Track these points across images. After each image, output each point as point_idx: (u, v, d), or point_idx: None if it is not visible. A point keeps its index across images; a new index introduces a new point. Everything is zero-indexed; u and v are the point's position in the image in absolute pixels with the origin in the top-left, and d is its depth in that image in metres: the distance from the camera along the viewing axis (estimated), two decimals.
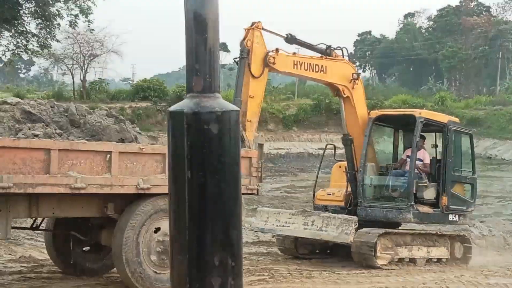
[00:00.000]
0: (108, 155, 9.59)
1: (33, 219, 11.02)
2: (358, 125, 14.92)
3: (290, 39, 14.06)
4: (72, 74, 51.07)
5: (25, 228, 11.92)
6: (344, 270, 13.11)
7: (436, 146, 15.26)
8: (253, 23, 13.13)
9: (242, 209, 9.63)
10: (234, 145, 2.72)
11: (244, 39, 13.00)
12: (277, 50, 13.41)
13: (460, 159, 15.53)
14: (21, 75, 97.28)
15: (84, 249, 11.73)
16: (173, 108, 2.72)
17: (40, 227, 11.69)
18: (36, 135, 9.61)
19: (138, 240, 9.95)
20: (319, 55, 14.53)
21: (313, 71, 14.14)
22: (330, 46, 14.60)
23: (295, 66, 13.86)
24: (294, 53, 14.12)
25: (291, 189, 32.44)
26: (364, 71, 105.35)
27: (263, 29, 13.19)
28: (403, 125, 15.67)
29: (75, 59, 49.68)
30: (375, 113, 15.30)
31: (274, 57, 13.24)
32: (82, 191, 9.28)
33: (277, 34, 13.78)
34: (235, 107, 2.75)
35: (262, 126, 49.00)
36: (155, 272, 9.96)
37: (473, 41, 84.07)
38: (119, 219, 10.10)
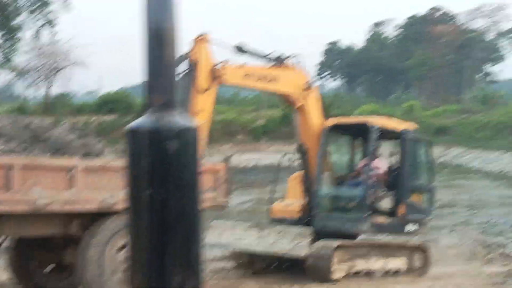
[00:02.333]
0: (72, 171, 9.45)
1: None
2: (312, 135, 14.55)
3: (240, 49, 13.63)
4: (35, 88, 50.59)
5: None
6: (316, 284, 13.09)
7: (393, 154, 15.17)
8: (199, 35, 12.76)
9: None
10: (194, 161, 2.71)
11: (189, 51, 12.62)
12: (225, 62, 13.02)
13: (417, 167, 15.52)
14: None
15: (47, 268, 11.54)
16: (132, 125, 2.71)
17: (2, 246, 11.48)
18: None
19: (102, 259, 9.80)
20: (271, 64, 14.09)
21: (264, 81, 13.82)
22: (281, 55, 14.20)
23: (245, 77, 13.52)
24: (243, 64, 13.63)
25: (260, 201, 32.38)
26: (334, 80, 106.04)
27: (209, 41, 12.84)
28: (358, 133, 15.27)
29: (39, 72, 49.22)
30: (330, 122, 14.89)
31: (222, 69, 12.88)
32: (45, 209, 9.13)
33: (225, 45, 13.35)
34: (194, 124, 2.75)
35: (231, 137, 49.06)
36: None
37: (441, 49, 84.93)
38: (83, 237, 9.94)
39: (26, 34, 30.88)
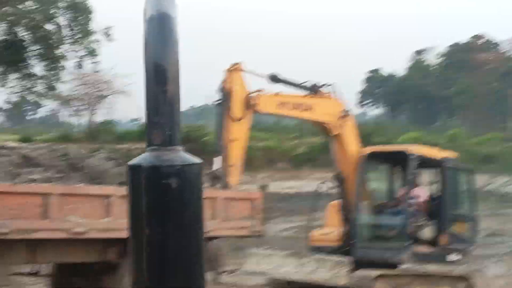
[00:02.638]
0: (108, 199, 9.46)
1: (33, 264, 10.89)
2: (349, 163, 14.51)
3: (274, 78, 13.70)
4: (79, 115, 51.30)
5: (24, 274, 11.77)
6: None
7: (433, 183, 14.93)
8: (233, 64, 12.80)
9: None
10: (196, 199, 2.62)
11: (223, 81, 12.67)
12: (259, 90, 13.08)
13: (459, 196, 15.16)
14: (27, 118, 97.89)
15: None
16: (132, 162, 2.65)
17: (40, 272, 11.54)
18: (34, 180, 9.51)
19: None
20: (305, 93, 14.14)
21: (299, 110, 13.79)
22: (316, 84, 14.23)
23: (279, 106, 13.53)
24: (278, 93, 13.67)
25: (302, 229, 32.08)
26: (377, 108, 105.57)
27: (243, 70, 12.91)
28: (397, 161, 15.15)
29: (82, 100, 49.90)
30: (367, 150, 14.89)
31: (256, 98, 12.90)
32: (82, 236, 9.13)
33: (259, 75, 13.49)
34: (196, 160, 2.67)
35: (271, 165, 48.91)
36: None
37: (484, 77, 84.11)
38: (121, 263, 9.94)
39: (69, 64, 31.21)
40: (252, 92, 12.95)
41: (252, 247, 20.03)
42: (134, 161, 2.63)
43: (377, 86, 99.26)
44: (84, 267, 10.71)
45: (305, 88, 14.18)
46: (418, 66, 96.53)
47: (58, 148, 11.24)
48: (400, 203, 14.39)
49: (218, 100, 12.77)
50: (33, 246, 9.39)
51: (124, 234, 9.36)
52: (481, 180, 50.92)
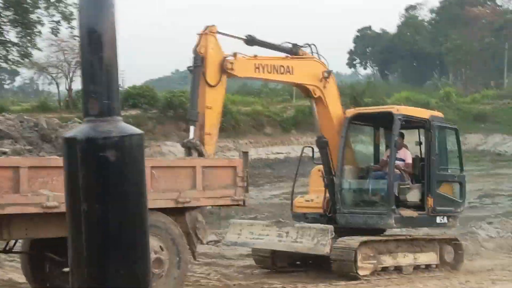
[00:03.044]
0: None
1: (5, 241, 10.81)
2: (332, 126, 14.44)
3: (250, 40, 13.50)
4: (57, 84, 50.92)
5: None
6: (343, 281, 12.91)
7: (420, 143, 14.86)
8: (206, 27, 12.57)
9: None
10: (137, 172, 2.56)
11: (197, 45, 12.41)
12: (235, 54, 12.86)
13: (446, 156, 15.13)
14: (6, 86, 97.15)
15: (63, 270, 11.51)
16: (67, 134, 2.60)
17: (15, 249, 11.48)
18: (4, 153, 9.41)
19: None
20: (285, 55, 13.97)
21: (278, 73, 13.58)
22: (296, 44, 14.06)
23: (257, 69, 13.33)
24: (255, 56, 13.47)
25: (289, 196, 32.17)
26: (365, 69, 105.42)
27: (218, 32, 12.67)
28: (382, 123, 15.13)
29: (59, 67, 49.47)
30: (351, 112, 14.84)
31: (232, 62, 12.68)
32: (55, 210, 9.05)
33: (235, 37, 13.28)
34: (137, 131, 2.61)
35: (259, 130, 48.85)
36: None
37: (478, 33, 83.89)
38: None
39: (44, 30, 30.89)
40: (228, 56, 12.80)
41: (236, 216, 20.09)
42: (69, 133, 2.58)
43: (367, 45, 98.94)
44: (58, 242, 10.65)
45: (284, 49, 14.03)
46: (409, 23, 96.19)
47: (29, 119, 11.05)
48: (385, 166, 14.37)
49: (192, 66, 12.57)
50: (5, 222, 9.31)
51: None
52: (474, 139, 51.45)
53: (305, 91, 14.37)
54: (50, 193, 9.02)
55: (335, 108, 14.51)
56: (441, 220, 14.45)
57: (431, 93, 63.05)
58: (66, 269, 10.54)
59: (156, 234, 10.03)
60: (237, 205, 11.50)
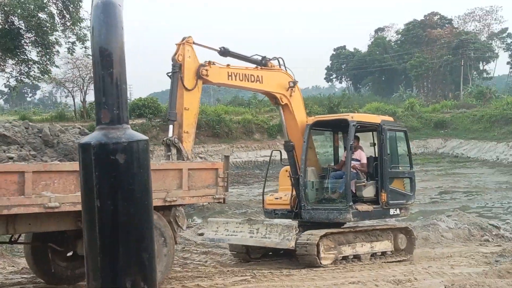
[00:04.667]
0: (78, 174, 9.26)
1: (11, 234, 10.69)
2: (297, 131, 14.25)
3: (224, 52, 13.40)
4: (72, 96, 50.84)
5: (3, 243, 11.53)
6: (322, 267, 12.90)
7: (374, 144, 14.67)
8: (183, 38, 12.45)
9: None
10: (143, 172, 2.58)
11: (175, 54, 12.30)
12: (209, 62, 12.68)
13: (397, 155, 15.01)
14: (28, 99, 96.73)
15: (67, 255, 11.40)
16: (82, 140, 2.58)
17: (19, 241, 11.34)
18: (11, 158, 9.30)
19: None
20: (254, 66, 13.80)
21: (249, 81, 13.41)
22: (265, 57, 13.92)
23: (230, 77, 13.15)
24: (228, 65, 13.29)
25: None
26: (340, 82, 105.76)
27: (194, 43, 12.51)
28: (340, 128, 14.99)
29: (75, 82, 49.43)
30: (311, 119, 14.61)
31: (206, 69, 12.55)
32: (56, 210, 9.01)
33: (209, 48, 13.06)
34: (143, 137, 2.62)
35: (249, 136, 48.90)
36: None
37: (438, 51, 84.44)
38: None
39: (61, 49, 30.94)
40: (203, 64, 12.68)
41: (229, 211, 20.05)
42: (84, 139, 2.57)
43: (342, 62, 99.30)
44: (60, 234, 10.50)
45: (254, 61, 13.93)
46: (378, 43, 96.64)
47: (34, 125, 10.92)
48: (343, 166, 14.36)
49: (170, 72, 12.52)
50: (11, 219, 9.22)
51: None
52: (434, 143, 51.71)
53: (273, 98, 14.24)
54: (52, 194, 8.94)
55: (300, 115, 14.42)
56: (394, 212, 14.40)
57: (397, 104, 63.39)
58: (70, 254, 10.37)
59: None
60: (218, 202, 11.43)
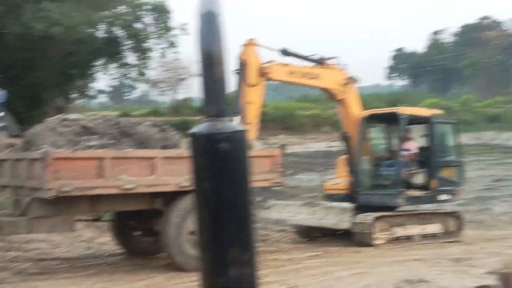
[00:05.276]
0: (152, 160, 9.49)
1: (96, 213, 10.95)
2: (352, 124, 14.14)
3: (284, 52, 13.34)
4: (165, 95, 51.83)
5: (90, 220, 11.88)
6: (391, 244, 12.68)
7: (426, 135, 14.46)
8: (248, 40, 12.49)
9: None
10: (243, 159, 2.66)
11: (240, 54, 12.39)
12: (271, 61, 12.72)
13: (446, 146, 14.69)
14: (126, 98, 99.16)
15: (145, 231, 11.61)
16: (193, 130, 2.68)
17: (103, 218, 11.64)
18: (91, 146, 9.53)
19: (180, 226, 9.84)
20: (313, 65, 13.72)
21: (307, 78, 13.36)
22: (322, 57, 13.84)
23: (289, 74, 13.11)
24: (287, 64, 13.31)
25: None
26: (402, 80, 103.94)
27: (257, 45, 12.57)
28: (392, 121, 14.75)
29: (167, 82, 50.34)
30: (366, 112, 14.50)
31: (268, 68, 12.58)
32: (132, 191, 9.20)
33: (271, 49, 13.06)
34: (242, 128, 2.71)
35: (317, 129, 48.53)
36: (191, 251, 9.76)
37: (491, 51, 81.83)
38: (166, 210, 10.01)
39: (155, 54, 31.79)
40: (265, 63, 12.64)
41: (298, 195, 19.97)
42: (194, 129, 2.67)
43: (402, 62, 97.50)
44: (138, 213, 10.74)
45: (312, 60, 13.83)
46: (435, 44, 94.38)
47: (112, 118, 11.17)
48: (395, 156, 14.09)
49: (236, 70, 12.52)
50: (92, 200, 9.47)
51: (166, 188, 9.45)
52: (488, 135, 49.95)
53: (329, 94, 14.15)
54: (128, 177, 9.15)
55: (354, 109, 14.27)
56: (443, 198, 14.11)
57: (453, 100, 61.61)
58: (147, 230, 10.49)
59: None
60: (275, 186, 11.46)
